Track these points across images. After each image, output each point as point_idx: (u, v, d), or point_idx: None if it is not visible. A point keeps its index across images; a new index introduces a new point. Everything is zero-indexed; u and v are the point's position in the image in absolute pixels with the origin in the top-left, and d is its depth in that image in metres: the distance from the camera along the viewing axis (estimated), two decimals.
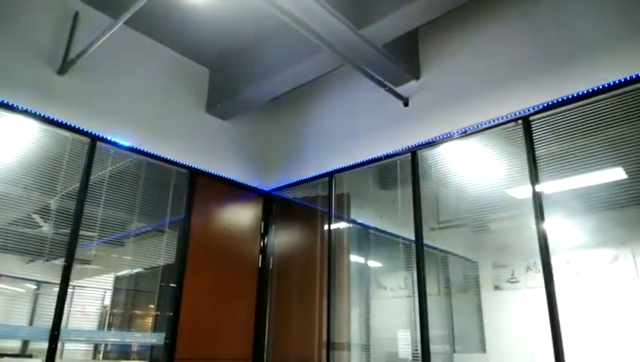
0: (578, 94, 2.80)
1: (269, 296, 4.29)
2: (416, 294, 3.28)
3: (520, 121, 3.04)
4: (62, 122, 3.34)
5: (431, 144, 3.47)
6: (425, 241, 3.39)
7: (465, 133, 3.30)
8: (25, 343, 5.07)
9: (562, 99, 2.86)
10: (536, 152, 2.95)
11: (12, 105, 3.13)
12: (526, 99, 3.01)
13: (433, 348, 3.14)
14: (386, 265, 5.28)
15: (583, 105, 2.83)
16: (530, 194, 2.92)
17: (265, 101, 4.19)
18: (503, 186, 3.41)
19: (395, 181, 3.81)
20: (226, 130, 4.47)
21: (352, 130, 4.08)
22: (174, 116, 4.10)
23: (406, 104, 3.71)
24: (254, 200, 4.50)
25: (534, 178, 2.91)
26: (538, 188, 2.89)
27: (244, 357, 4.03)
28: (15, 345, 5.13)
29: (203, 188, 4.08)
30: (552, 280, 2.71)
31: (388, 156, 3.71)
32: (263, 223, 4.48)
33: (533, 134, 2.98)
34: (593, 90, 2.75)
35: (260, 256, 4.38)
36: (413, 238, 3.42)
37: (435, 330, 3.19)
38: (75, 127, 3.39)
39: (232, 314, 4.05)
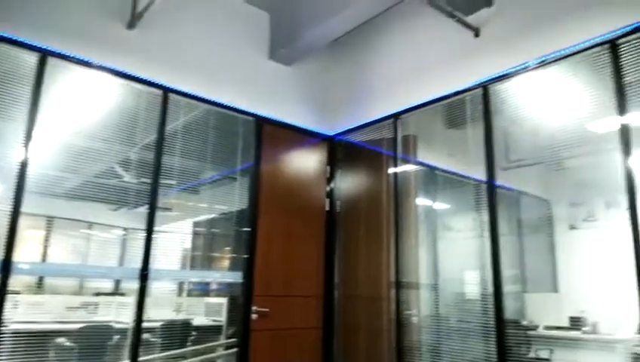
0: None
1: (337, 237, 4.39)
2: (487, 236, 3.22)
3: (606, 46, 2.78)
4: (134, 76, 3.46)
5: (504, 77, 3.27)
6: (496, 181, 3.29)
7: (542, 63, 3.07)
8: (117, 283, 5.59)
9: None
10: (624, 79, 2.70)
11: (87, 60, 3.27)
12: (613, 22, 2.74)
13: (504, 287, 3.12)
14: (454, 206, 5.22)
15: None
16: (612, 128, 2.72)
17: (327, 42, 4.11)
18: (583, 120, 3.20)
19: (464, 119, 3.67)
20: (289, 76, 4.46)
21: (418, 68, 3.93)
22: (238, 64, 4.13)
23: (477, 35, 3.49)
24: (319, 146, 4.52)
25: (621, 108, 2.69)
26: (625, 119, 2.68)
27: (316, 294, 4.21)
28: (108, 284, 5.68)
29: (269, 135, 4.15)
30: (637, 216, 2.56)
31: (457, 93, 3.55)
32: (328, 168, 4.52)
33: (620, 59, 2.73)
34: None
35: (328, 199, 4.46)
36: (484, 178, 3.32)
37: (505, 270, 3.15)
38: (147, 80, 3.52)
39: (303, 254, 4.20)
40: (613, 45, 2.76)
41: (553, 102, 3.28)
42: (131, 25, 3.49)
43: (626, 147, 2.65)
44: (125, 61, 3.43)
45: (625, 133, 2.67)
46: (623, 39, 2.72)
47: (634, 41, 2.70)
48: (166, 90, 3.59)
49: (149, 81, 3.52)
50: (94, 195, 3.64)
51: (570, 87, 3.15)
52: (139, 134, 3.52)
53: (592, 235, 5.00)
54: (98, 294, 5.42)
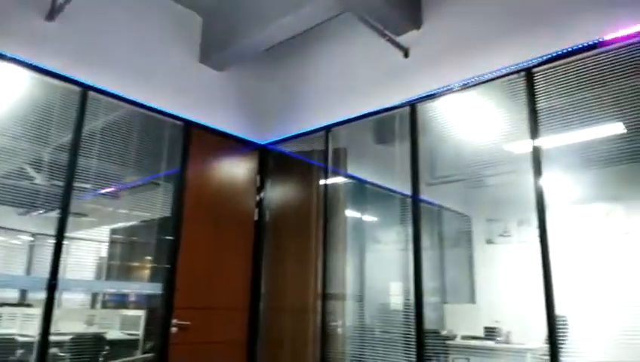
0: (583, 45, 2.74)
1: (265, 248, 4.33)
2: (411, 248, 3.32)
3: (522, 73, 2.98)
4: (51, 70, 3.22)
5: (430, 97, 3.41)
6: (421, 196, 3.39)
7: (465, 86, 3.24)
8: (23, 293, 5.15)
9: (567, 51, 2.80)
10: (538, 105, 2.90)
11: None
12: (529, 51, 2.94)
13: (425, 299, 3.21)
14: (381, 219, 5.35)
15: (587, 58, 2.77)
16: (527, 150, 2.91)
17: (261, 51, 4.07)
18: (500, 141, 3.39)
19: (393, 135, 3.77)
20: (221, 81, 4.36)
21: (350, 83, 3.99)
22: (168, 66, 3.98)
23: (406, 55, 3.61)
24: (250, 154, 4.46)
25: (534, 132, 2.88)
26: (537, 142, 2.87)
27: (240, 306, 4.12)
28: (13, 294, 5.21)
29: (198, 140, 4.02)
30: (546, 234, 2.74)
31: (386, 109, 3.65)
32: (259, 177, 4.46)
33: (535, 87, 2.93)
34: (599, 41, 2.69)
35: (257, 209, 4.39)
36: (409, 193, 3.43)
37: (426, 282, 3.25)
38: (64, 75, 3.28)
39: (229, 265, 4.10)
40: (529, 73, 2.96)
41: (475, 122, 3.46)
42: (50, 16, 3.25)
43: (537, 168, 2.84)
44: (41, 54, 3.19)
45: (536, 156, 2.86)
46: (538, 68, 2.93)
47: (547, 71, 2.91)
48: (85, 88, 3.38)
49: (67, 77, 3.30)
50: (0, 197, 3.33)
51: (490, 109, 3.34)
52: (53, 133, 3.27)
53: (506, 250, 5.32)
54: (1, 305, 4.97)
